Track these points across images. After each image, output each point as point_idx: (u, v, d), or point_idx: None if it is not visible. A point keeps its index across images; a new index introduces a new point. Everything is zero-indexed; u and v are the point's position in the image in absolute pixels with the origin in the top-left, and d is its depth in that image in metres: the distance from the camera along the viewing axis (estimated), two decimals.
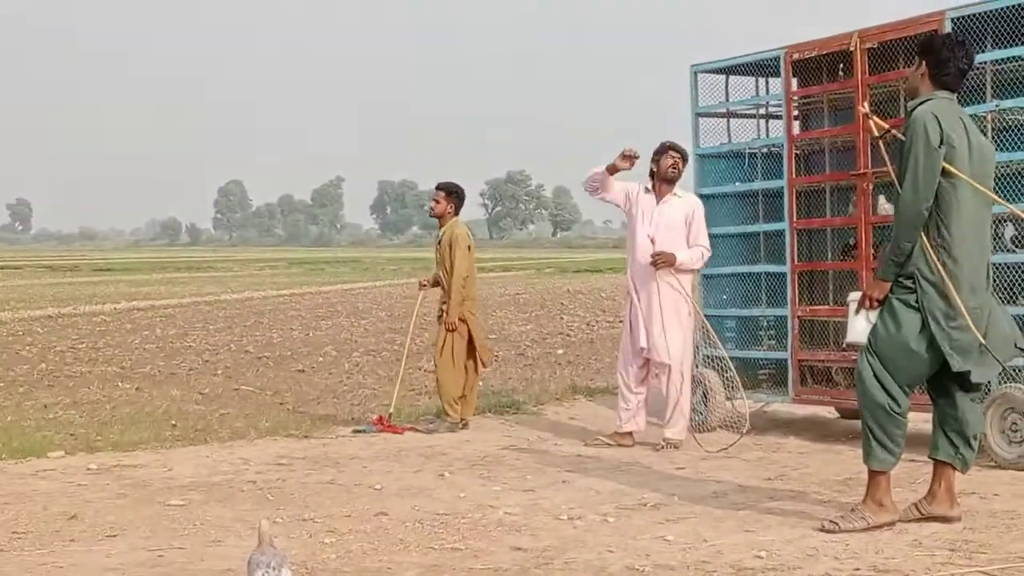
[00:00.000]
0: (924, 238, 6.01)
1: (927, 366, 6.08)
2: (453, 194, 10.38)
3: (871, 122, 6.24)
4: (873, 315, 6.15)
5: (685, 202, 9.03)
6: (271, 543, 5.05)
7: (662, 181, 8.97)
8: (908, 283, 6.05)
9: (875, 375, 6.09)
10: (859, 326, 6.21)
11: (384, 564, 5.67)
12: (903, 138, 6.07)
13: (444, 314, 10.12)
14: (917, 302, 6.02)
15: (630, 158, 8.66)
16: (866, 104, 6.28)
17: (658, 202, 8.98)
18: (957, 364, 6.03)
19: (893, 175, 6.08)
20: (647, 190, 9.06)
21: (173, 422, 10.26)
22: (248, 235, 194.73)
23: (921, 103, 6.17)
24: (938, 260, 6.01)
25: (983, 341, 6.17)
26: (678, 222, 8.94)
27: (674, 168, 8.96)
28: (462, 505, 6.99)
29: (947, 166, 6.12)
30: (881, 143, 6.17)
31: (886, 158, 6.10)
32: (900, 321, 6.04)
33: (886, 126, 6.16)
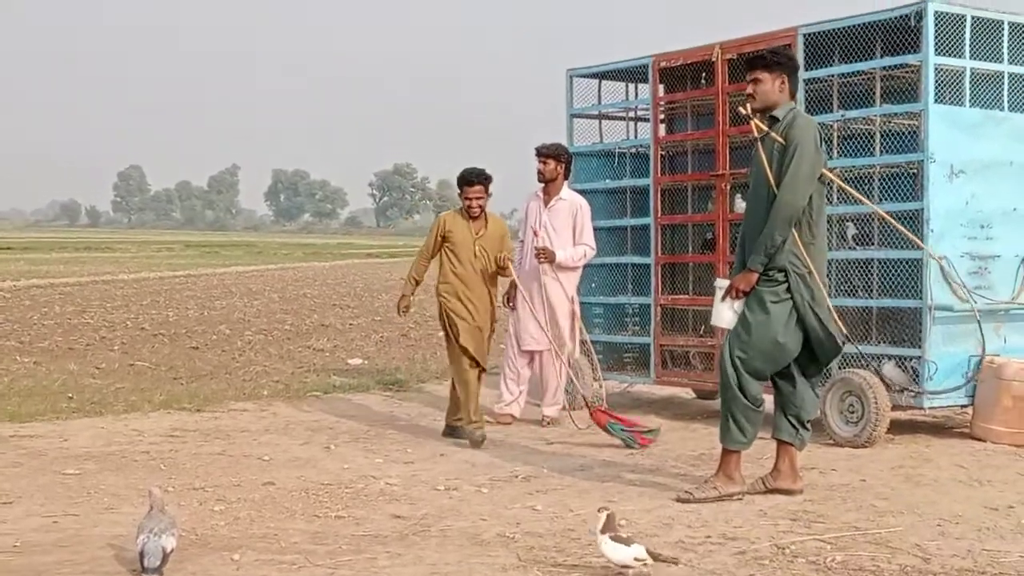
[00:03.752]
0: (796, 234, 6.12)
1: (789, 355, 6.23)
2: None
3: (753, 123, 6.33)
4: (738, 304, 6.23)
5: (569, 203, 8.98)
6: (162, 509, 5.00)
7: (544, 183, 9.03)
8: (778, 276, 6.14)
9: (741, 373, 6.19)
10: (724, 312, 6.29)
11: (271, 531, 5.63)
12: (782, 140, 6.13)
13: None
14: (787, 292, 6.14)
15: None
16: (748, 106, 6.35)
17: (545, 205, 9.01)
18: (825, 352, 6.28)
19: (769, 175, 6.14)
20: (537, 195, 9.10)
21: (70, 395, 10.06)
22: (146, 218, 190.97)
23: (795, 109, 6.32)
24: (806, 253, 6.16)
25: (842, 328, 6.39)
26: (564, 222, 8.93)
27: (540, 174, 8.97)
28: (346, 475, 6.98)
29: (824, 170, 6.30)
30: (762, 145, 6.25)
31: (762, 158, 6.18)
32: (769, 312, 6.14)
33: (766, 128, 6.25)
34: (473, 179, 8.33)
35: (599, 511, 4.96)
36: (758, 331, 6.16)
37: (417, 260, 8.51)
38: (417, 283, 8.51)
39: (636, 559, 4.74)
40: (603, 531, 4.82)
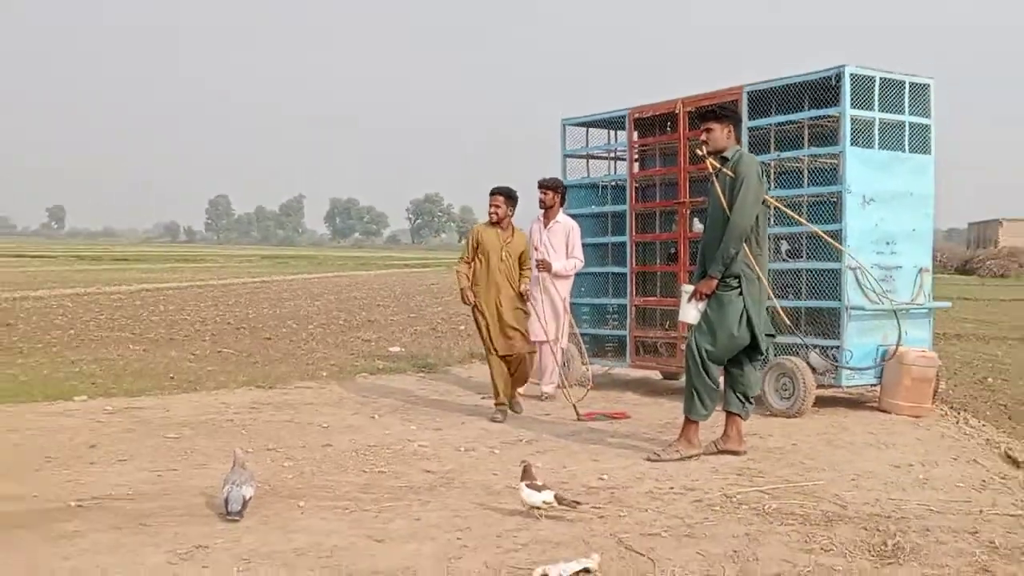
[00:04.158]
0: (747, 248, 6.14)
1: (740, 344, 6.23)
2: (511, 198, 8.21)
3: (709, 162, 6.35)
4: (701, 305, 6.24)
5: (563, 225, 8.96)
6: (243, 465, 5.02)
7: (544, 209, 9.01)
8: (732, 281, 6.16)
9: (706, 359, 6.22)
10: (689, 311, 6.30)
11: (329, 483, 5.65)
12: (731, 175, 6.15)
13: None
14: (740, 294, 6.14)
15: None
16: (703, 149, 6.37)
17: (545, 226, 8.99)
18: (763, 344, 6.29)
19: (723, 203, 6.15)
20: (539, 219, 9.07)
21: (171, 375, 10.07)
22: (231, 236, 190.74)
23: (741, 151, 6.33)
24: (755, 264, 6.18)
25: (785, 319, 6.42)
26: (560, 240, 8.90)
27: (541, 202, 8.94)
28: (387, 439, 6.98)
29: (766, 196, 6.31)
30: (716, 179, 6.27)
31: (718, 189, 6.21)
32: (726, 311, 6.16)
33: (718, 166, 6.28)
34: (495, 191, 8.15)
35: (520, 463, 5.01)
36: (718, 326, 6.18)
37: (460, 263, 8.16)
38: (468, 278, 8.08)
39: (544, 503, 4.80)
40: (522, 479, 4.91)
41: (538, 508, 4.83)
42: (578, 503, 4.97)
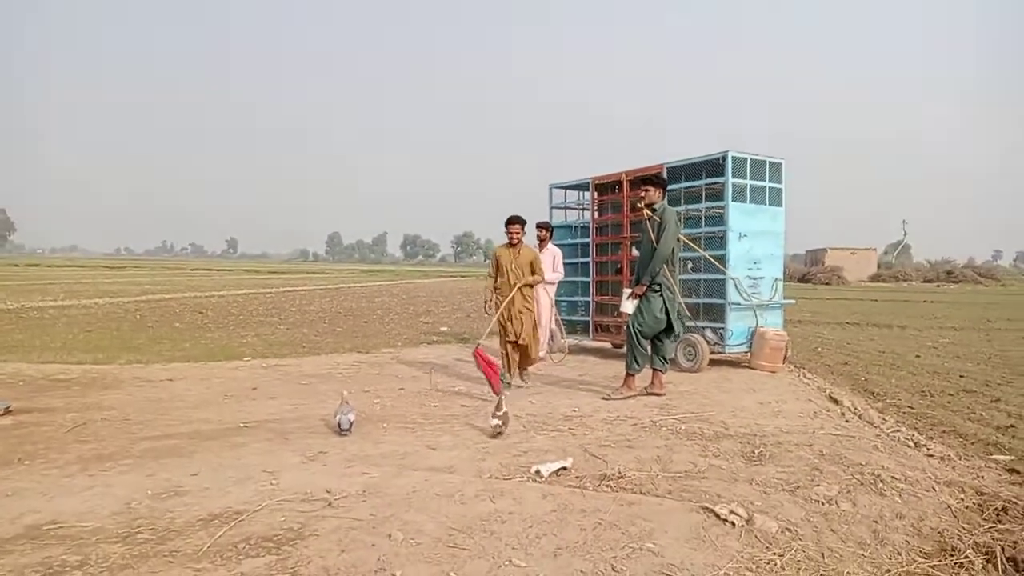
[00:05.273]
0: (666, 268, 6.10)
1: (661, 326, 6.19)
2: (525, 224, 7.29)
3: (645, 211, 6.32)
4: (636, 301, 6.20)
5: (551, 251, 8.76)
6: (347, 401, 5.03)
7: (540, 241, 8.84)
8: (656, 287, 6.12)
9: (639, 334, 6.17)
10: (628, 305, 6.26)
11: (401, 413, 5.64)
12: (659, 220, 6.12)
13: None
14: (661, 295, 6.11)
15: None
16: (642, 203, 6.36)
17: (540, 250, 8.81)
18: (677, 327, 6.23)
19: (652, 237, 6.11)
20: (536, 247, 8.84)
21: (303, 345, 10.05)
22: (341, 258, 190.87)
23: (664, 204, 6.28)
24: (671, 276, 6.14)
25: (686, 311, 6.39)
26: (549, 260, 8.71)
27: (538, 236, 8.64)
28: (438, 385, 6.96)
29: (680, 235, 6.29)
30: (648, 222, 6.25)
31: (649, 228, 6.19)
32: (652, 305, 6.12)
33: (651, 213, 6.26)
34: (514, 220, 7.35)
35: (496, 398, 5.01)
36: (647, 314, 6.13)
37: (487, 277, 7.57)
38: (492, 290, 7.42)
39: (493, 424, 4.80)
40: (493, 408, 4.92)
41: (494, 426, 4.83)
42: (501, 433, 4.82)
